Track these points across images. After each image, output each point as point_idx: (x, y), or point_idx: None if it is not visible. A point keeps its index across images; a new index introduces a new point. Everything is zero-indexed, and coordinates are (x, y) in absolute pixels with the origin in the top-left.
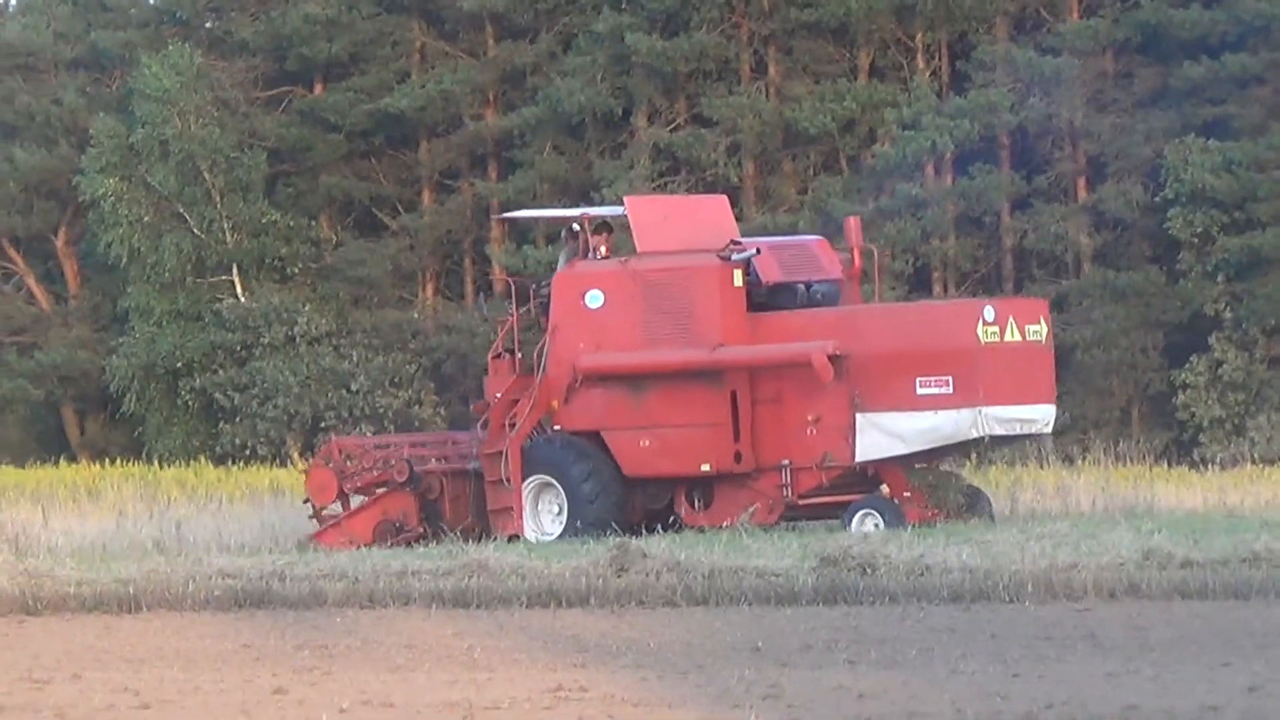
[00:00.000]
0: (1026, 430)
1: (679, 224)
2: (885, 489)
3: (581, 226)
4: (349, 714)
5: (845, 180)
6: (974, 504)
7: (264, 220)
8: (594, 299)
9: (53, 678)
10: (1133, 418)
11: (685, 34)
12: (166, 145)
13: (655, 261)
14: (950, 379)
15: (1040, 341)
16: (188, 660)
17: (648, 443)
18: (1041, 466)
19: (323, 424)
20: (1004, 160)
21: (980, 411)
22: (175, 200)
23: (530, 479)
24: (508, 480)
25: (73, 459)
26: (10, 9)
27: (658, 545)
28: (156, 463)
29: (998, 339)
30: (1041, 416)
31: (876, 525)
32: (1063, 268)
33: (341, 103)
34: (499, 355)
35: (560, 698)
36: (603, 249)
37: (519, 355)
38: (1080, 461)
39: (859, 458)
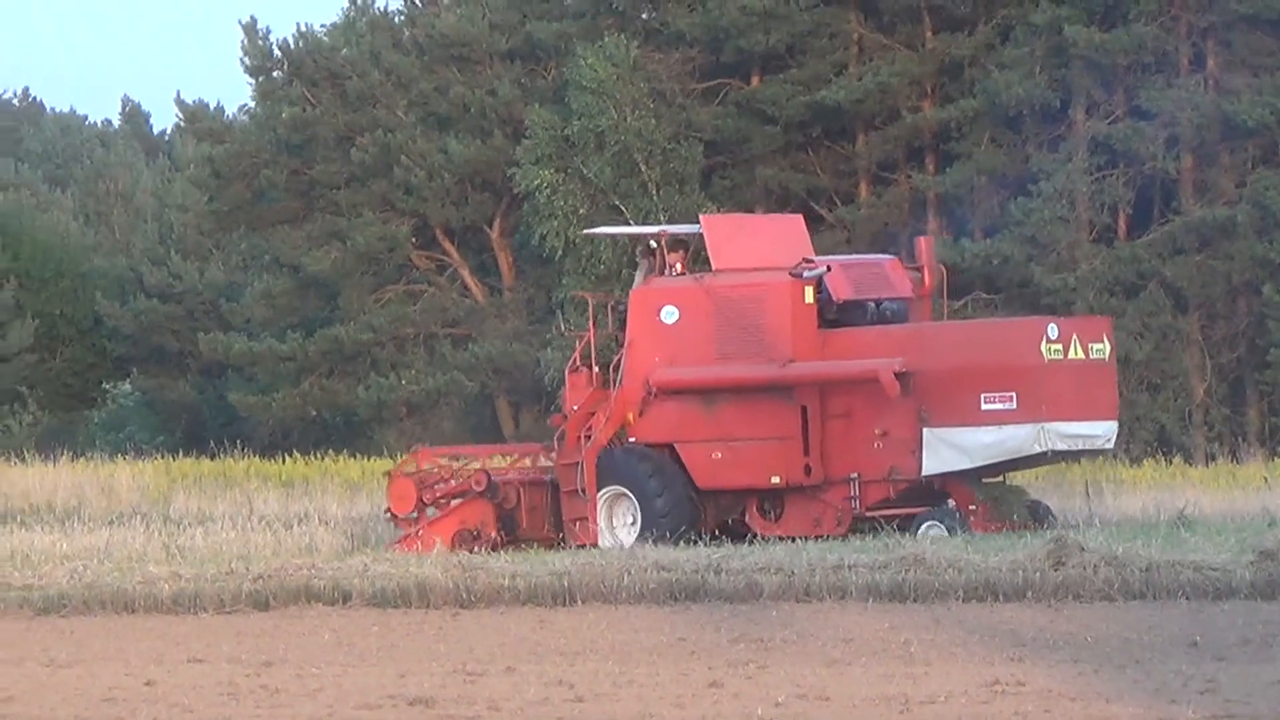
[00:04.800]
0: (1089, 446)
1: (754, 242)
2: (951, 502)
3: (658, 243)
4: (784, 708)
5: None
6: (1038, 517)
7: (700, 212)
8: (669, 314)
9: (487, 670)
10: None
11: (1124, 26)
12: (602, 137)
13: (729, 278)
14: (1014, 395)
15: (1103, 359)
16: (622, 653)
17: (720, 455)
18: None
19: None
20: None
21: (1043, 427)
22: (611, 192)
23: (605, 489)
24: (583, 491)
25: None
26: (446, 0)
27: (1095, 539)
28: None
29: (1061, 356)
30: (1104, 433)
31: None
32: None
33: (778, 94)
34: (576, 369)
35: (997, 692)
36: (678, 265)
37: (596, 369)
38: None
39: (925, 471)
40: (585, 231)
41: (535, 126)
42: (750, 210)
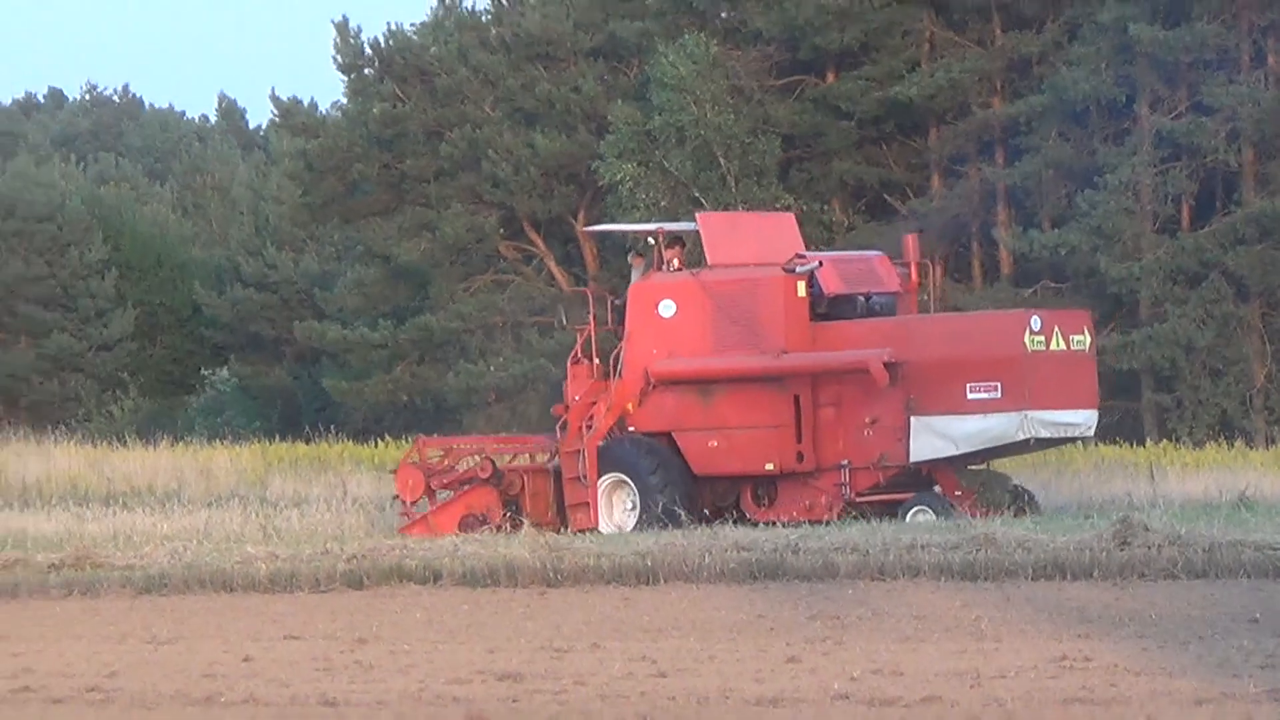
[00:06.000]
0: (1070, 434)
1: (748, 239)
2: (938, 487)
3: (656, 240)
4: (859, 683)
5: None
6: (1022, 502)
7: (778, 204)
8: (667, 308)
9: (573, 647)
10: None
11: (1186, 24)
12: (683, 132)
13: (724, 274)
14: (999, 384)
15: (1084, 350)
16: (704, 630)
17: (716, 443)
18: None
19: None
20: None
21: (1026, 415)
22: (691, 185)
23: (605, 476)
24: (584, 478)
25: None
26: (531, 0)
27: (1159, 519)
28: None
29: (1044, 347)
30: (1084, 421)
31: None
32: None
33: (853, 91)
34: (578, 360)
35: (1065, 667)
36: (675, 261)
37: (597, 361)
38: None
39: (913, 458)
40: (586, 229)
41: (618, 122)
42: (827, 203)
